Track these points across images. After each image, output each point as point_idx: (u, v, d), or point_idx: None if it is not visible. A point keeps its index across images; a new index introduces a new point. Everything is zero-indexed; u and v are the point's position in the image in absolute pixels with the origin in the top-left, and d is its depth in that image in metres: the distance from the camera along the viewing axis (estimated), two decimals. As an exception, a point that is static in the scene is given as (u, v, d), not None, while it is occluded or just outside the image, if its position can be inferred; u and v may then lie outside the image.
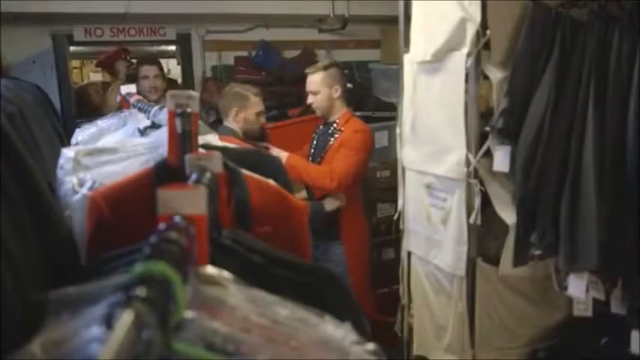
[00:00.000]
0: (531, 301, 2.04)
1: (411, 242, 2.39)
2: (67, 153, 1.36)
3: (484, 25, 1.89)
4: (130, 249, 0.85)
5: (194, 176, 0.85)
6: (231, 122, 2.70)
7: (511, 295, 2.02)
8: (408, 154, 2.37)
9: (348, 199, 2.80)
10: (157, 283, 0.49)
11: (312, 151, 2.97)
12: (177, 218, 0.63)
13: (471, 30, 1.91)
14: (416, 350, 2.39)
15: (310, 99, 2.89)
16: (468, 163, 1.96)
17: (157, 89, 3.39)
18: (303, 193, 2.71)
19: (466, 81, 1.95)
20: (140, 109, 1.82)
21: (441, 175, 2.11)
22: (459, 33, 1.95)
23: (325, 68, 2.86)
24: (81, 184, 1.26)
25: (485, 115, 1.97)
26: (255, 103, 2.75)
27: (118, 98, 2.26)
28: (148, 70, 3.44)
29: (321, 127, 2.98)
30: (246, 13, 3.75)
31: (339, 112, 2.89)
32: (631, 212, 1.58)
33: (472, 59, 1.92)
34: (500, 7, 1.87)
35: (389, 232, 3.32)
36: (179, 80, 4.47)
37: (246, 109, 2.71)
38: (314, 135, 3.02)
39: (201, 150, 1.12)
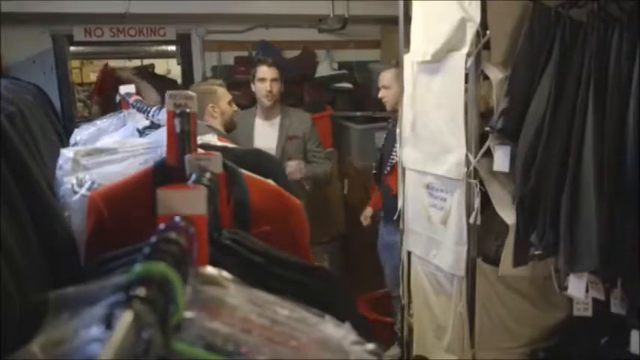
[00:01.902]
0: (531, 301, 2.04)
1: (411, 242, 2.39)
2: (67, 153, 1.36)
3: (484, 25, 1.89)
4: (129, 249, 0.84)
5: (194, 176, 0.85)
6: (209, 120, 2.70)
7: (511, 295, 2.02)
8: (408, 154, 2.37)
9: None
10: (157, 284, 0.49)
11: (382, 147, 3.12)
12: (176, 218, 0.63)
13: (471, 30, 1.91)
14: (416, 350, 2.39)
15: (382, 93, 3.04)
16: (468, 163, 1.96)
17: (272, 94, 3.09)
18: None
19: (466, 81, 1.94)
20: (139, 109, 1.82)
21: (441, 175, 2.11)
22: (458, 33, 1.95)
23: (397, 65, 2.94)
24: (80, 184, 1.26)
25: (485, 115, 1.97)
26: (223, 94, 2.80)
27: (118, 98, 2.26)
28: (266, 72, 3.08)
29: (390, 124, 3.08)
30: (246, 13, 3.75)
31: None
32: (631, 212, 1.58)
33: (472, 59, 1.92)
34: (500, 7, 1.87)
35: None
36: (179, 80, 4.47)
37: (218, 102, 2.74)
38: (385, 133, 3.18)
39: (200, 150, 1.12)
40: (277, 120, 3.15)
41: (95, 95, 4.81)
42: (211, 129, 2.55)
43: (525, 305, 2.04)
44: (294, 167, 2.99)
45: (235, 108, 2.86)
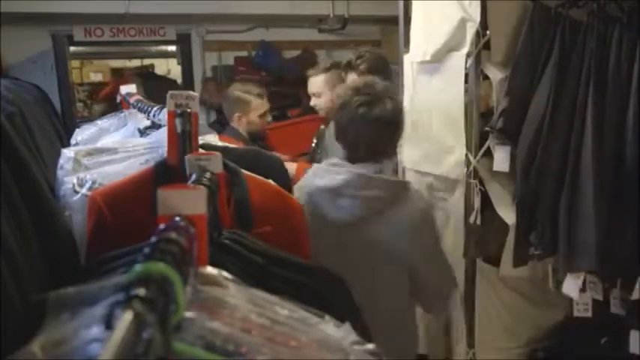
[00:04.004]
0: (531, 301, 2.04)
1: (411, 242, 2.39)
2: (67, 153, 1.36)
3: (484, 25, 1.89)
4: (129, 249, 0.84)
5: (194, 176, 0.85)
6: (235, 124, 2.66)
7: (511, 295, 2.02)
8: (408, 154, 2.37)
9: None
10: (157, 284, 0.49)
11: (318, 153, 2.90)
12: (177, 218, 0.63)
13: (471, 30, 1.91)
14: (416, 350, 2.38)
15: (313, 101, 2.80)
16: (468, 163, 1.96)
17: None
18: None
19: (466, 81, 1.95)
20: (140, 109, 1.81)
21: (441, 175, 2.11)
22: (459, 33, 1.95)
23: (329, 69, 2.76)
24: (81, 184, 1.26)
25: (485, 115, 1.97)
26: (258, 106, 2.65)
27: (119, 98, 2.26)
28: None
29: (323, 128, 2.96)
30: (246, 13, 3.75)
31: None
32: (630, 212, 1.58)
33: (472, 59, 1.92)
34: (500, 7, 1.87)
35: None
36: (179, 80, 4.48)
37: (248, 114, 2.64)
38: (316, 137, 2.99)
39: (201, 150, 1.12)
40: None
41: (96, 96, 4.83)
42: (237, 133, 2.56)
43: (525, 305, 2.04)
44: None
45: (268, 120, 2.66)
